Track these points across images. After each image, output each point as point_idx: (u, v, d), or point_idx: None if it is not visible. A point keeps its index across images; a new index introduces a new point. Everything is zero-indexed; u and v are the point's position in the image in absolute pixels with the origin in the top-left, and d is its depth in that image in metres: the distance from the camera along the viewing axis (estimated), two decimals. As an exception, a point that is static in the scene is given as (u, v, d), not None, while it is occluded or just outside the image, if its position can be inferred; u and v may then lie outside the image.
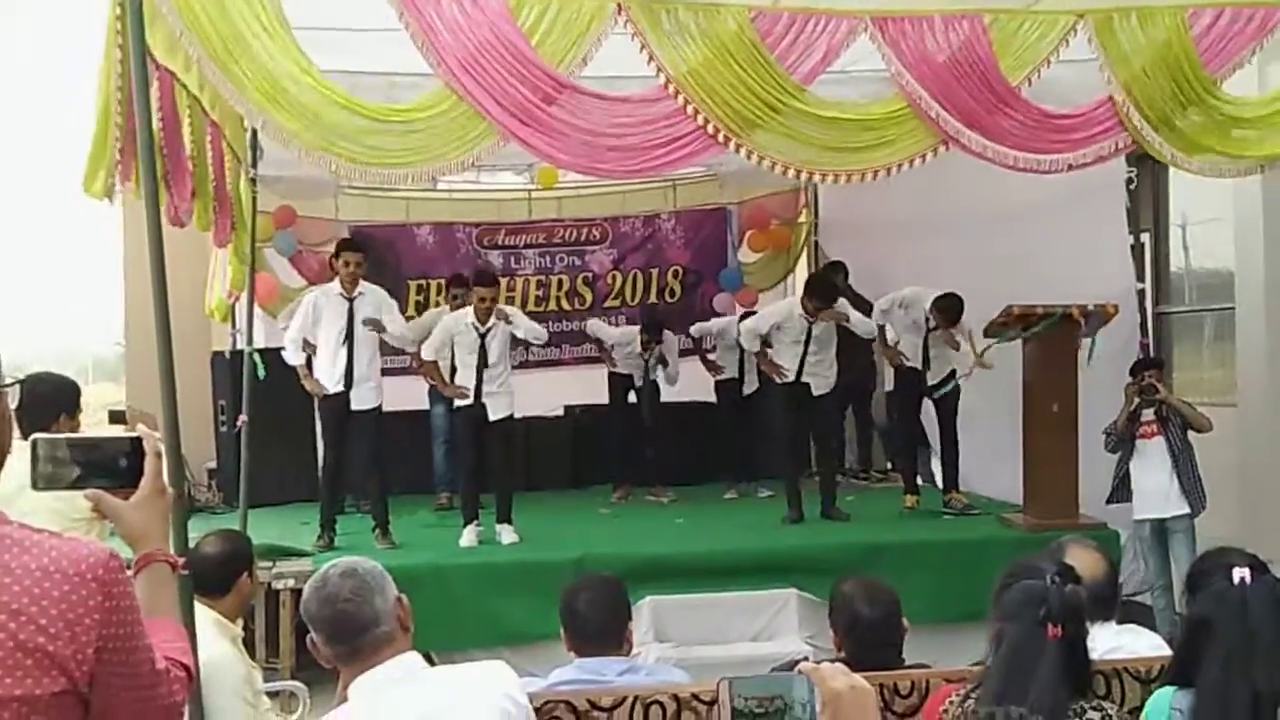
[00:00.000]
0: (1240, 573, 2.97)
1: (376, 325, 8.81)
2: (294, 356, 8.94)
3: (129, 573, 2.04)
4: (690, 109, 6.31)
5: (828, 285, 9.87)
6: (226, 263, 10.97)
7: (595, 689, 3.73)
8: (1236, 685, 2.85)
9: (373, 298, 8.90)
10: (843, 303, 9.66)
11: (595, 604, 4.06)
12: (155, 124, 6.56)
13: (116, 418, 5.73)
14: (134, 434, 2.23)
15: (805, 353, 9.48)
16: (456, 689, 2.93)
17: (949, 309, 9.36)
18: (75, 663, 1.88)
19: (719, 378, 11.48)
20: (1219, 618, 2.95)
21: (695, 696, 3.65)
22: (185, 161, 7.27)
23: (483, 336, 8.83)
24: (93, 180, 6.23)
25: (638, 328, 11.18)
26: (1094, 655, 3.63)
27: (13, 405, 2.11)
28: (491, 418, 8.90)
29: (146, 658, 2.00)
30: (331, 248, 12.01)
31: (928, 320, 9.57)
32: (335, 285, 8.89)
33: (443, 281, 11.94)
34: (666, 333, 11.19)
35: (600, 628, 4.03)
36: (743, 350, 10.97)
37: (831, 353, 9.64)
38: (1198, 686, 2.95)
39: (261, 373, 8.99)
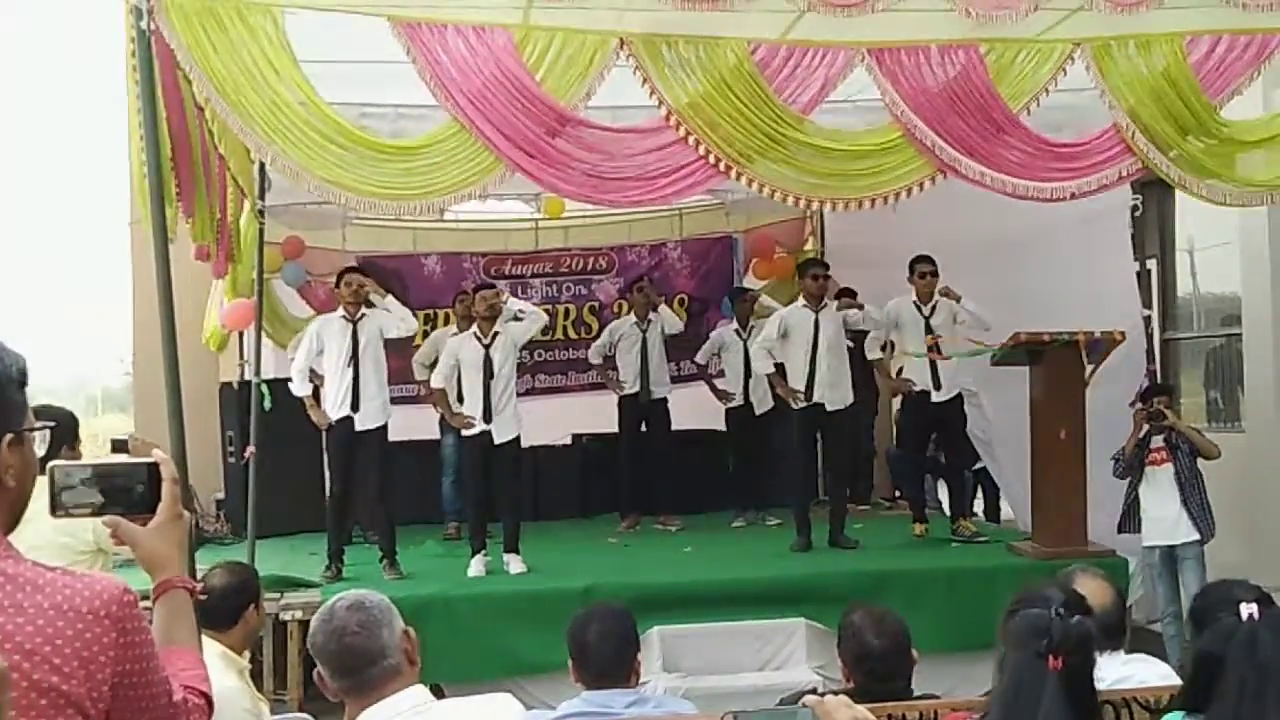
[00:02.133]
0: (1248, 609, 2.97)
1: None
2: (300, 388, 8.96)
3: (145, 604, 2.03)
4: (692, 140, 6.35)
5: (816, 259, 10.15)
6: (223, 293, 11.03)
7: (602, 721, 3.72)
8: (1248, 717, 2.85)
9: (376, 319, 8.94)
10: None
11: (605, 637, 4.03)
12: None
13: (119, 446, 5.68)
14: (150, 460, 2.23)
15: (815, 354, 9.41)
16: (462, 722, 2.93)
17: (924, 264, 9.42)
18: (91, 700, 1.87)
19: (729, 405, 11.48)
20: (1229, 655, 2.94)
21: (703, 727, 3.65)
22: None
23: (486, 348, 8.87)
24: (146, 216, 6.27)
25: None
26: (1102, 685, 3.63)
27: (41, 450, 2.10)
28: (497, 440, 8.89)
29: (164, 690, 1.99)
30: (340, 278, 12.11)
31: (917, 306, 9.52)
32: (339, 310, 8.93)
33: (450, 312, 11.96)
34: (665, 310, 11.46)
35: (610, 661, 4.00)
36: (748, 366, 11.01)
37: (844, 359, 9.63)
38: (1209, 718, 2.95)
39: (267, 404, 9.00)
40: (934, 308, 9.46)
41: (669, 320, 11.41)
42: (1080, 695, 2.85)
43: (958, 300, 9.28)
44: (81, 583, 1.94)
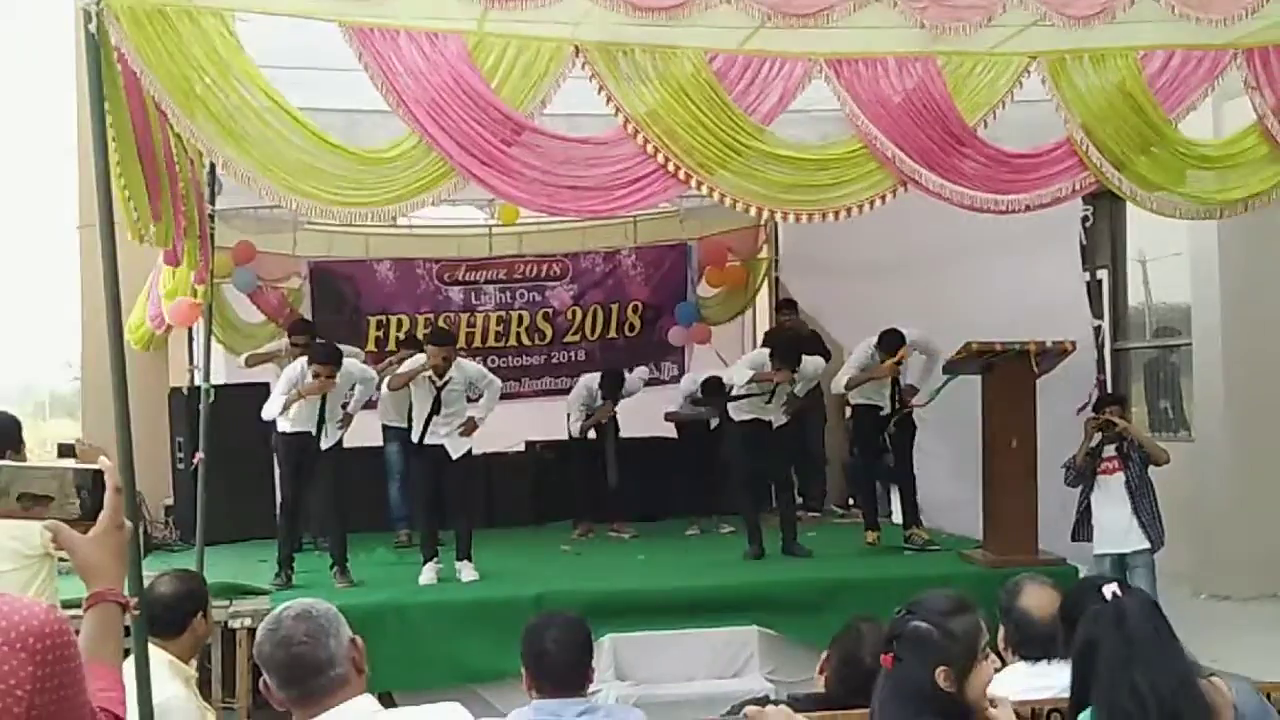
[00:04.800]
0: (1110, 588, 3.02)
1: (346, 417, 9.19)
2: (271, 412, 9.03)
3: (72, 629, 1.96)
4: (651, 148, 6.33)
5: (791, 348, 9.88)
6: (158, 289, 10.96)
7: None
8: (1122, 689, 2.87)
9: (343, 378, 9.00)
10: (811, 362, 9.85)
11: (563, 646, 4.01)
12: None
13: (66, 451, 5.68)
14: (95, 467, 2.19)
15: (768, 402, 9.66)
16: (410, 733, 2.90)
17: (889, 342, 9.50)
18: None
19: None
20: (1100, 634, 2.97)
21: (652, 737, 3.63)
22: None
23: (439, 390, 8.90)
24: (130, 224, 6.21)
25: (595, 381, 11.25)
26: (1050, 693, 3.65)
27: None
28: (454, 456, 8.91)
29: (89, 716, 1.91)
30: (291, 283, 12.11)
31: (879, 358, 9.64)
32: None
33: (403, 318, 11.94)
34: (627, 375, 11.37)
35: (566, 670, 3.99)
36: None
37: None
38: (1093, 701, 2.97)
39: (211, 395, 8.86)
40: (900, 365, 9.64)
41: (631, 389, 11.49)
42: (918, 692, 2.83)
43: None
44: (1, 610, 1.80)
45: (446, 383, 8.90)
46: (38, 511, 2.14)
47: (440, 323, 12.42)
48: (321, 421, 8.85)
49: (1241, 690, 3.14)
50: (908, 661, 2.86)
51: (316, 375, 8.76)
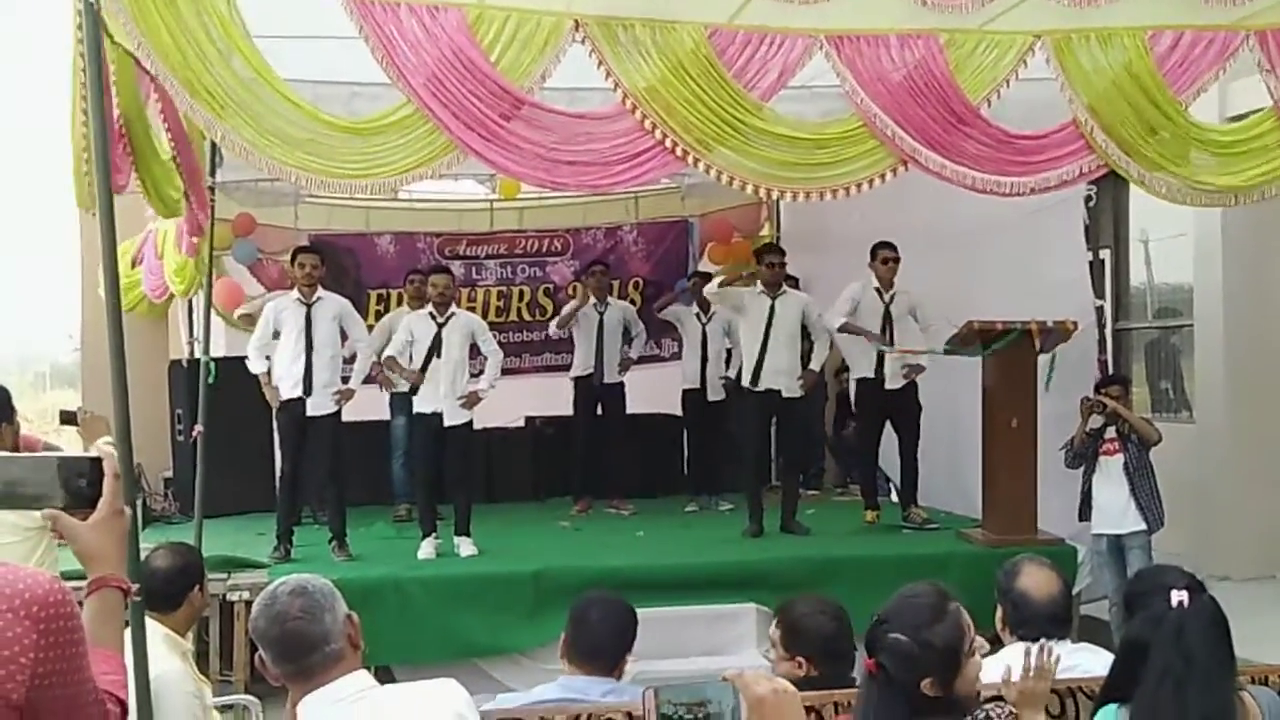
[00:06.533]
0: (1178, 596, 2.98)
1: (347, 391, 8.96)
2: (256, 365, 8.90)
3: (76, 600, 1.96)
4: (649, 124, 6.30)
5: (773, 245, 10.25)
6: (153, 249, 10.96)
7: (544, 708, 3.72)
8: (1169, 707, 2.86)
9: (332, 304, 8.89)
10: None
11: (607, 621, 4.03)
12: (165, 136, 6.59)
13: (68, 418, 5.64)
14: (94, 454, 2.18)
15: (766, 341, 9.48)
16: (405, 707, 2.90)
17: (887, 249, 9.49)
18: (8, 700, 1.78)
19: (686, 386, 11.45)
20: (1155, 640, 2.95)
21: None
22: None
23: (440, 327, 8.86)
24: (81, 192, 6.17)
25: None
26: (1049, 674, 3.64)
27: None
28: (447, 423, 8.85)
29: (91, 688, 1.92)
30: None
31: (878, 292, 9.57)
32: (294, 292, 8.87)
33: (403, 292, 11.87)
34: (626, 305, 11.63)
35: (600, 644, 3.99)
36: (705, 356, 11.04)
37: (796, 350, 9.66)
38: (1133, 706, 2.96)
39: (211, 378, 8.78)
40: (893, 296, 9.51)
41: (629, 314, 11.47)
42: (903, 703, 2.84)
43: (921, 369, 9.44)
44: (6, 578, 1.84)
45: (449, 318, 8.90)
46: (30, 503, 2.14)
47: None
48: (309, 382, 8.72)
49: (1267, 700, 3.13)
50: (891, 671, 2.84)
51: (302, 266, 8.80)
